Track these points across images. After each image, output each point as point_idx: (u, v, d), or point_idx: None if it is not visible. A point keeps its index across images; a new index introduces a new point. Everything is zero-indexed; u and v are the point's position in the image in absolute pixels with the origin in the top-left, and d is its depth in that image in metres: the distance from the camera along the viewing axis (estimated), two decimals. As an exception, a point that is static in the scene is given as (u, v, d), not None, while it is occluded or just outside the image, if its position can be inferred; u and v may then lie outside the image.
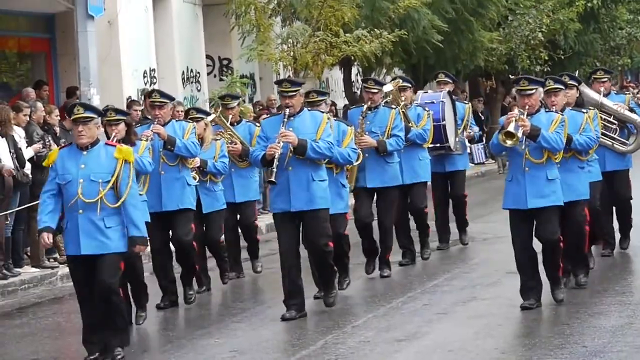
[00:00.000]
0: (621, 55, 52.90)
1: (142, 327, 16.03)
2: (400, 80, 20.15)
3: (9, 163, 18.73)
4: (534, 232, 15.27)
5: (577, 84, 17.10)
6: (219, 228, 18.48)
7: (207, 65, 33.05)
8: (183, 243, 16.73)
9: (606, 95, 18.55)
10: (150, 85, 28.66)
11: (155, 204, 16.21)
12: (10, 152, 19.07)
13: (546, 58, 41.74)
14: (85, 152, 13.03)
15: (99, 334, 13.34)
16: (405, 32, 31.25)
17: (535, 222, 15.15)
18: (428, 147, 19.97)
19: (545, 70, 42.67)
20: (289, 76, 32.47)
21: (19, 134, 19.96)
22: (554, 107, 15.52)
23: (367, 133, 18.13)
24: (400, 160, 18.91)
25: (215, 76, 33.50)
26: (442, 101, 20.57)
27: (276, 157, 14.91)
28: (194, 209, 17.01)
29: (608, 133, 18.20)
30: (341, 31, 30.09)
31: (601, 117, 17.66)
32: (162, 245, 16.89)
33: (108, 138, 14.18)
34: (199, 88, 32.15)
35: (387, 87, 19.66)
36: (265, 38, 30.69)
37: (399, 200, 19.37)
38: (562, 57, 43.18)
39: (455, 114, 21.02)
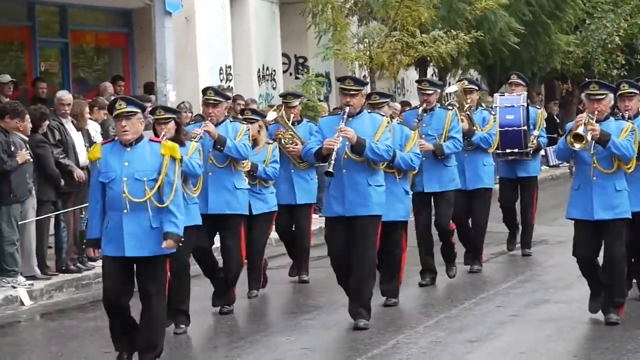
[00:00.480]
0: None
1: (212, 323, 16.01)
2: (466, 82, 19.27)
3: (83, 156, 18.70)
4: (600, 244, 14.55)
5: (639, 92, 15.59)
6: (264, 231, 17.77)
7: (283, 64, 33.08)
8: (228, 250, 16.05)
9: None
10: (226, 82, 28.70)
11: (201, 206, 15.24)
12: (85, 145, 19.09)
13: (623, 62, 41.66)
14: (129, 149, 12.33)
15: (130, 334, 12.76)
16: (481, 33, 31.20)
17: (602, 235, 14.34)
18: (504, 152, 19.64)
19: (622, 74, 42.54)
20: (364, 76, 32.53)
21: (94, 128, 20.03)
22: (627, 111, 14.79)
23: (423, 136, 17.19)
24: (464, 165, 18.41)
25: (290, 74, 33.52)
26: (523, 105, 19.95)
27: (335, 150, 14.19)
28: (245, 213, 16.26)
29: None
30: (417, 31, 30.04)
31: None
32: (205, 248, 15.99)
33: (157, 137, 13.52)
34: (274, 86, 32.16)
35: (452, 88, 19.88)
36: (342, 37, 30.67)
37: (462, 204, 18.69)
38: (638, 63, 43.09)
39: (528, 119, 20.23)
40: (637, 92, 14.91)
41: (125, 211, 12.17)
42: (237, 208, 15.79)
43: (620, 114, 15.19)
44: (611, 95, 14.33)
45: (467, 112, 18.26)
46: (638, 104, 14.96)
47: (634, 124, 14.20)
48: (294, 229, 19.10)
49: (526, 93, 20.66)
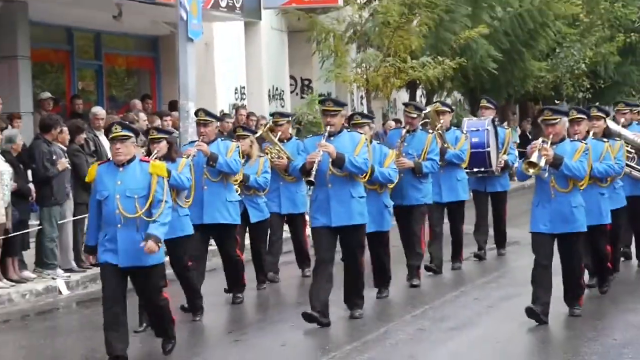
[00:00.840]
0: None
1: (225, 312, 16.04)
2: (440, 105, 18.95)
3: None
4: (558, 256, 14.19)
5: (605, 116, 16.12)
6: (264, 236, 17.71)
7: (290, 85, 33.17)
8: (232, 257, 15.86)
9: (627, 125, 17.50)
10: (240, 101, 28.85)
11: (197, 217, 15.07)
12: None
13: (588, 86, 41.88)
14: (121, 169, 12.06)
15: (122, 334, 12.28)
16: (464, 60, 31.26)
17: (558, 246, 14.04)
18: (472, 171, 19.20)
19: (587, 97, 43.01)
20: (362, 96, 32.57)
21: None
22: (576, 135, 14.46)
23: (404, 154, 16.81)
24: (439, 180, 17.99)
25: (297, 94, 33.60)
26: (487, 129, 19.44)
27: (316, 162, 13.70)
28: (237, 223, 15.84)
29: (626, 161, 16.52)
30: (408, 58, 30.14)
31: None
32: (200, 254, 15.57)
33: (150, 154, 13.68)
34: (282, 105, 32.20)
35: (425, 110, 18.60)
36: (342, 62, 30.78)
37: (439, 215, 18.45)
38: (603, 86, 43.49)
39: (497, 139, 19.76)
40: (585, 117, 14.83)
41: (119, 226, 11.99)
42: (229, 218, 15.49)
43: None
44: (565, 119, 14.05)
45: (439, 132, 17.81)
46: (586, 127, 14.83)
47: (588, 144, 13.99)
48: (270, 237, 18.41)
49: (492, 117, 20.21)
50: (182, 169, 14.01)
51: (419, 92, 33.91)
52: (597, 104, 19.16)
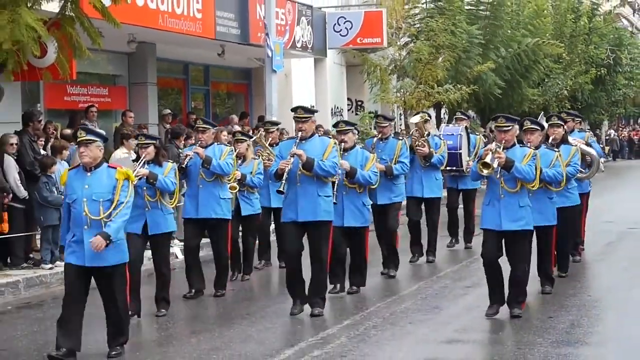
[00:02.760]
0: (618, 107, 52.58)
1: (229, 299, 13.80)
2: (427, 115, 16.69)
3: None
4: (504, 252, 12.04)
5: (563, 124, 14.26)
6: (255, 229, 15.53)
7: (348, 104, 33.12)
8: (221, 254, 13.97)
9: (570, 132, 15.21)
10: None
11: (193, 211, 13.60)
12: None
13: (569, 107, 41.58)
14: (89, 174, 10.10)
15: (74, 333, 10.08)
16: (477, 87, 31.03)
17: (505, 243, 11.89)
18: (446, 169, 17.39)
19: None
20: (400, 113, 32.40)
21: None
22: (529, 143, 12.36)
23: (378, 159, 14.38)
24: (421, 178, 16.17)
25: (352, 112, 33.54)
26: (460, 134, 17.61)
27: (286, 171, 11.84)
28: (228, 218, 14.02)
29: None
30: (435, 85, 29.99)
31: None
32: (195, 246, 13.91)
33: (137, 159, 12.18)
34: (341, 119, 32.15)
35: (415, 119, 16.69)
36: (386, 88, 30.74)
37: (417, 210, 16.55)
38: (580, 107, 43.32)
39: (469, 143, 17.88)
40: (538, 128, 12.78)
41: (86, 227, 9.94)
42: (221, 214, 13.72)
43: (550, 142, 13.59)
44: (516, 127, 11.89)
45: (426, 139, 15.93)
46: (539, 137, 12.78)
47: (535, 151, 11.98)
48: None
49: (465, 125, 18.26)
50: (167, 173, 12.16)
51: (442, 111, 33.69)
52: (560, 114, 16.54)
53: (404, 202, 16.05)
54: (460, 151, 17.59)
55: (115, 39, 19.17)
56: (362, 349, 10.36)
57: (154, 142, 12.35)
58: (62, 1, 15.58)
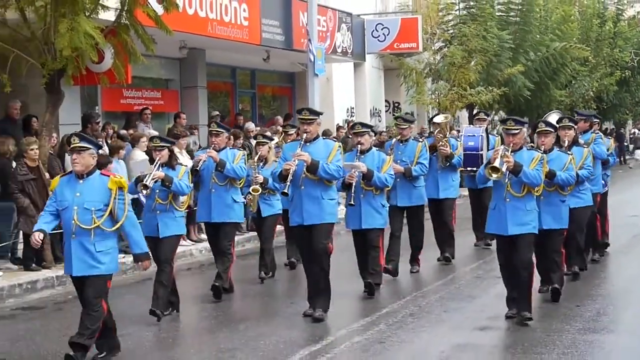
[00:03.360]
0: (642, 106, 52.17)
1: (239, 298, 12.89)
2: (450, 116, 15.73)
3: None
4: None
5: (574, 125, 13.14)
6: (272, 229, 14.55)
7: (385, 106, 33.08)
8: (223, 250, 12.84)
9: (582, 133, 14.05)
10: (350, 117, 28.74)
11: (206, 216, 12.83)
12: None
13: (595, 107, 41.36)
14: (81, 181, 9.25)
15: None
16: (507, 89, 30.88)
17: (513, 248, 10.84)
18: (466, 170, 16.14)
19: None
20: (435, 114, 32.30)
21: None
22: (542, 146, 11.62)
23: (398, 161, 13.78)
24: (437, 179, 15.12)
25: (390, 113, 33.47)
26: (482, 135, 16.13)
27: (290, 172, 10.94)
28: (240, 222, 13.71)
29: None
30: (468, 87, 29.83)
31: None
32: (216, 247, 13.04)
33: (152, 162, 11.45)
34: (379, 120, 32.15)
35: (439, 118, 15.77)
36: (421, 90, 30.58)
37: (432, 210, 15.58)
38: (605, 107, 43.18)
39: (488, 144, 16.44)
40: (553, 130, 11.86)
41: (73, 236, 9.17)
42: (233, 217, 12.87)
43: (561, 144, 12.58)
44: (524, 130, 11.00)
45: (447, 140, 15.05)
46: (553, 139, 11.83)
47: (543, 154, 10.99)
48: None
49: (485, 126, 17.03)
50: (181, 176, 11.31)
51: (474, 111, 33.58)
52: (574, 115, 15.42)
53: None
54: (482, 152, 16.18)
55: (167, 45, 19.24)
56: (399, 335, 10.34)
57: (169, 145, 11.47)
58: (118, 10, 15.66)
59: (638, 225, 19.90)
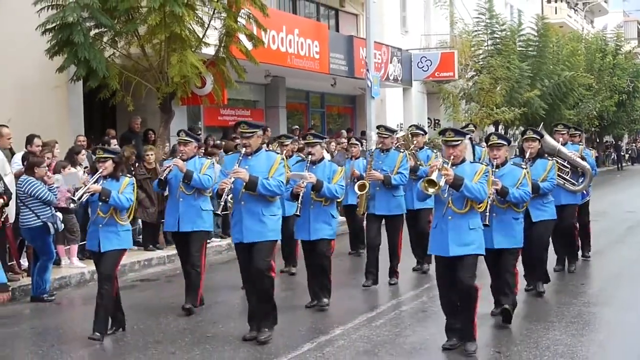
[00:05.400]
0: (636, 124, 51.22)
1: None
2: (414, 128, 12.71)
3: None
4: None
5: (539, 138, 10.35)
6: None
7: (427, 122, 32.77)
8: (192, 259, 10.00)
9: (564, 144, 11.95)
10: (400, 131, 28.62)
11: (174, 225, 10.03)
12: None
13: (597, 124, 41.14)
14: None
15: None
16: (526, 109, 30.66)
17: (456, 269, 7.92)
18: None
19: (596, 130, 42.41)
20: (529, 129, 32.00)
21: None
22: (495, 160, 8.89)
23: (379, 170, 11.20)
24: (412, 190, 11.45)
25: (431, 128, 33.15)
26: None
27: (225, 191, 8.30)
28: (210, 230, 10.48)
29: (561, 174, 11.59)
30: (494, 107, 29.61)
31: (557, 162, 11.20)
32: (186, 257, 10.17)
33: (95, 173, 8.97)
34: (401, 129, 31.91)
35: (401, 133, 13.74)
36: (456, 110, 30.42)
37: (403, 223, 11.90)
38: (605, 124, 43.06)
39: (474, 155, 11.44)
40: (505, 143, 9.01)
41: (100, 225, 8.81)
42: (202, 226, 10.03)
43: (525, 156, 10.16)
44: (466, 141, 8.26)
45: (413, 152, 12.00)
46: (505, 153, 9.05)
47: (487, 167, 8.15)
48: None
49: (468, 137, 12.13)
50: (123, 189, 8.80)
51: (500, 127, 33.20)
52: (534, 127, 12.18)
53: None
54: None
55: (255, 74, 19.34)
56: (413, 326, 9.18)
57: (113, 156, 9.00)
58: (217, 46, 15.77)
59: (632, 219, 19.47)
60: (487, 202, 8.16)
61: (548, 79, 33.42)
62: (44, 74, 15.31)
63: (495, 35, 31.36)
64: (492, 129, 33.14)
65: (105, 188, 8.73)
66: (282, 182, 8.53)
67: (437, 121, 33.18)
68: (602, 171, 43.04)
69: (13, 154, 12.44)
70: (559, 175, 11.32)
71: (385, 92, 27.67)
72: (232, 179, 8.33)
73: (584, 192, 12.46)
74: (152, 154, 14.66)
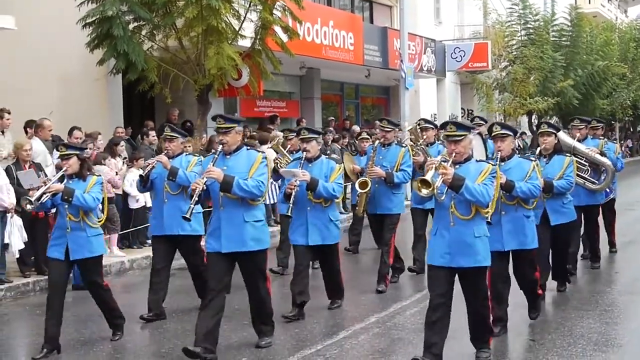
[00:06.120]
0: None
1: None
2: (423, 122, 11.55)
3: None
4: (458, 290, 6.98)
5: (555, 132, 9.26)
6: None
7: (461, 112, 32.61)
8: (198, 268, 9.15)
9: (582, 140, 10.95)
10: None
11: (159, 228, 8.99)
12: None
13: (630, 113, 40.62)
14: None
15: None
16: (559, 99, 30.33)
17: (459, 279, 6.88)
18: None
19: (630, 120, 41.71)
20: (501, 119, 31.80)
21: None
22: (499, 152, 7.90)
23: (379, 166, 10.12)
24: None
25: (465, 118, 32.99)
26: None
27: (196, 193, 7.19)
28: (199, 234, 9.11)
29: (580, 173, 10.47)
30: (528, 98, 29.35)
31: (576, 160, 9.80)
32: (163, 265, 9.10)
33: (59, 170, 8.39)
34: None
35: (409, 126, 12.06)
36: (490, 100, 30.24)
37: (422, 219, 11.05)
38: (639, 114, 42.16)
39: (486, 150, 10.60)
40: (511, 133, 7.96)
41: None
42: (190, 230, 8.93)
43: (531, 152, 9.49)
44: (471, 137, 6.95)
45: (422, 147, 10.70)
46: (511, 144, 7.97)
47: (495, 166, 6.97)
48: None
49: (479, 130, 10.79)
50: (89, 188, 7.74)
51: (534, 117, 32.90)
52: (553, 120, 11.57)
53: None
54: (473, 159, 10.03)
55: (290, 66, 19.33)
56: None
57: (77, 152, 7.91)
58: (253, 38, 15.78)
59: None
60: (494, 205, 7.00)
61: (581, 69, 33.04)
62: (85, 67, 15.44)
63: (529, 26, 31.05)
64: (525, 119, 32.93)
65: (68, 187, 7.71)
66: (262, 182, 7.30)
67: (470, 111, 33.01)
68: (637, 160, 42.61)
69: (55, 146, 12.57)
70: (577, 175, 10.16)
71: (419, 83, 27.55)
72: (205, 179, 7.25)
73: (608, 189, 11.48)
74: (188, 146, 14.68)
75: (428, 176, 6.55)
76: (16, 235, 10.71)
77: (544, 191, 8.64)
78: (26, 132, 12.52)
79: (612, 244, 12.92)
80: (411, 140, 11.37)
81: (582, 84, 32.99)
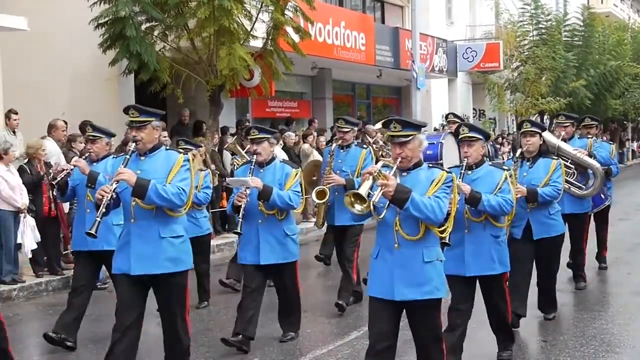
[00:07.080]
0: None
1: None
2: (452, 116, 11.06)
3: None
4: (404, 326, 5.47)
5: (540, 131, 7.96)
6: (205, 252, 9.56)
7: (473, 113, 32.53)
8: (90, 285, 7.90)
9: (568, 139, 9.76)
10: (444, 121, 28.45)
11: (82, 243, 7.60)
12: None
13: (643, 114, 40.77)
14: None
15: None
16: (571, 99, 30.31)
17: (408, 320, 5.35)
18: None
19: None
20: (512, 120, 31.63)
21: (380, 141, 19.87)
22: (466, 158, 6.48)
23: (337, 172, 8.87)
24: None
25: (476, 118, 32.93)
26: (441, 142, 8.79)
27: (103, 203, 5.73)
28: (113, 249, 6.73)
29: (565, 177, 9.09)
30: (539, 98, 29.32)
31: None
32: (86, 281, 7.77)
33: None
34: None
35: (377, 125, 11.88)
36: (502, 100, 30.23)
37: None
38: (652, 114, 42.14)
39: (459, 151, 7.34)
40: (480, 137, 6.53)
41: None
42: (114, 244, 6.94)
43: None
44: (420, 137, 5.30)
45: (389, 149, 9.65)
46: (481, 150, 6.53)
47: (452, 174, 5.35)
48: None
49: (450, 130, 9.92)
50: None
51: (545, 117, 32.80)
52: (534, 119, 11.08)
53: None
54: (441, 161, 8.73)
55: (302, 66, 19.32)
56: None
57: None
58: (264, 39, 15.79)
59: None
60: (451, 222, 5.47)
61: (594, 69, 32.98)
62: (97, 68, 15.48)
63: (541, 26, 31.01)
64: (537, 119, 32.85)
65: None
66: (182, 189, 5.88)
67: (482, 112, 32.98)
68: (648, 161, 42.45)
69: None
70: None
71: (431, 83, 27.51)
72: (114, 185, 5.83)
73: (602, 196, 10.32)
74: (202, 146, 14.66)
75: (363, 188, 5.04)
76: (29, 236, 10.71)
77: (527, 201, 7.68)
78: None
79: (601, 258, 11.44)
80: (381, 141, 10.47)
81: (595, 84, 32.94)
